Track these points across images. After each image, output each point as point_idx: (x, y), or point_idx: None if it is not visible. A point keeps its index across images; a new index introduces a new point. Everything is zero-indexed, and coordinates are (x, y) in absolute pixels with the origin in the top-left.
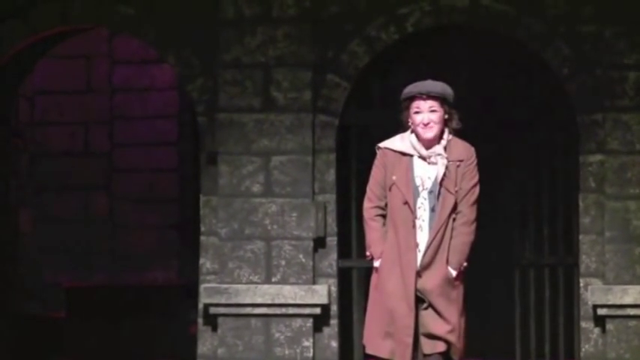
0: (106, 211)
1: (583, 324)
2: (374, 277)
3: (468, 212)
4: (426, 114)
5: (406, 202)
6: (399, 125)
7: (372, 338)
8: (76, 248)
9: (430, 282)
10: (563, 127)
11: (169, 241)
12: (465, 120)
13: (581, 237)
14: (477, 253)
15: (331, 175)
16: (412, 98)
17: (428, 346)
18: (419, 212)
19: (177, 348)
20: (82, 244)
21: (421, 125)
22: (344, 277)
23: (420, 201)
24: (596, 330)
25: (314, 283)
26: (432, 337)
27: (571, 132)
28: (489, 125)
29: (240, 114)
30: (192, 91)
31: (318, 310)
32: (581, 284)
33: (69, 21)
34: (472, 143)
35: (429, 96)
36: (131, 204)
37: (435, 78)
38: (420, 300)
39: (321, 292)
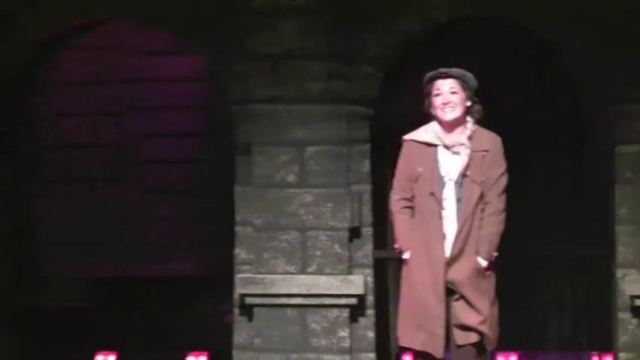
0: (123, 202)
1: (620, 315)
2: (404, 270)
3: (496, 202)
4: (446, 95)
5: (432, 193)
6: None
7: (405, 331)
8: (92, 239)
9: (460, 273)
10: (601, 117)
11: (189, 233)
12: (495, 111)
13: (617, 228)
14: (513, 244)
15: (366, 166)
16: (433, 81)
17: (460, 337)
18: (445, 203)
19: (197, 340)
20: (99, 235)
21: (441, 106)
22: (379, 268)
23: (446, 191)
24: (634, 321)
25: (349, 273)
26: (464, 328)
27: (608, 122)
28: (524, 116)
29: (275, 104)
30: (224, 80)
31: (354, 301)
32: (618, 275)
33: (90, 13)
34: (505, 133)
35: (448, 75)
36: (149, 195)
37: (467, 69)
38: (451, 291)
39: (357, 283)
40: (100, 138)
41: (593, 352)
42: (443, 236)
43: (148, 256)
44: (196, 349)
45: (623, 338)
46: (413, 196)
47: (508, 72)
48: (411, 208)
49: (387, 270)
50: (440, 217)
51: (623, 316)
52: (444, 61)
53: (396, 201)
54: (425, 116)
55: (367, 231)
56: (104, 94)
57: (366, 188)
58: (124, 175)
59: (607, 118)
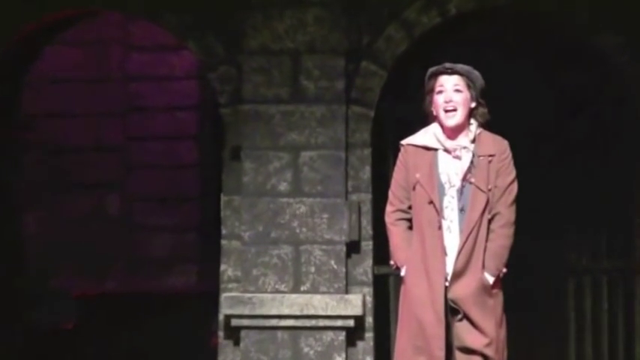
0: (120, 211)
1: None
2: (402, 287)
3: (506, 213)
4: (450, 93)
5: (431, 202)
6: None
7: (403, 354)
8: (87, 252)
9: (464, 290)
10: (624, 129)
11: (189, 244)
12: (502, 114)
13: (638, 241)
14: (529, 259)
15: (366, 173)
16: (436, 77)
17: None
18: (446, 212)
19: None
20: (94, 247)
21: (443, 105)
22: (380, 286)
23: (447, 200)
24: None
25: (347, 292)
26: (467, 351)
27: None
28: (538, 121)
29: (267, 105)
30: (214, 80)
31: (351, 322)
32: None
33: (79, 3)
34: (519, 140)
35: (454, 71)
36: (148, 203)
37: (478, 64)
38: (454, 310)
39: (355, 303)
40: (101, 140)
41: None
42: (443, 249)
43: (146, 270)
44: None
45: None
46: (410, 207)
47: (518, 72)
48: (407, 220)
49: (389, 288)
50: (439, 228)
51: None
52: (454, 57)
53: (390, 213)
54: (426, 116)
55: (367, 245)
56: (105, 92)
57: (366, 197)
58: (120, 181)
59: (630, 130)
